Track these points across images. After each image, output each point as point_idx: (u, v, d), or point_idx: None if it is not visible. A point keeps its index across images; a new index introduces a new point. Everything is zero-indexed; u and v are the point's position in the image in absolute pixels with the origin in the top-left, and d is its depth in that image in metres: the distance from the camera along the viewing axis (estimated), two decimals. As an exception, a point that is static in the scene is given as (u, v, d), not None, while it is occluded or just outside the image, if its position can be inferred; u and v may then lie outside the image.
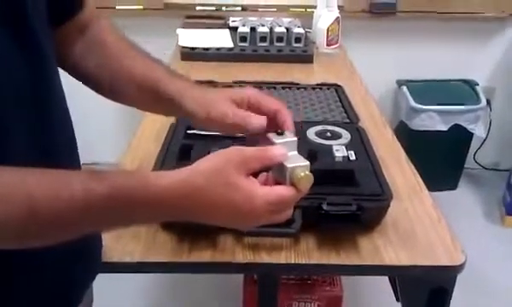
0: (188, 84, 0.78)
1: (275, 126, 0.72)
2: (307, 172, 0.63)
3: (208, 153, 0.74)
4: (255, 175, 0.63)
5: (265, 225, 0.82)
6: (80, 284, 0.74)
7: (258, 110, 0.74)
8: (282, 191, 0.62)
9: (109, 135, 2.48)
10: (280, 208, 0.63)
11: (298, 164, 0.64)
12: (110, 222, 0.59)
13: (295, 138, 0.69)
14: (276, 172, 0.65)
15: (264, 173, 0.65)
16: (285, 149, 0.64)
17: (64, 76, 0.70)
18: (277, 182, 0.65)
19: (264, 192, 0.61)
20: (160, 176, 0.58)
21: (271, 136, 0.69)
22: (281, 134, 0.69)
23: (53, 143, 0.64)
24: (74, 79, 0.78)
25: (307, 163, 0.65)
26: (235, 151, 0.61)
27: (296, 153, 0.67)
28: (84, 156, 0.76)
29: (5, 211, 0.49)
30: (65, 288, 0.69)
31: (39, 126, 0.61)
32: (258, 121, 0.70)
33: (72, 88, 0.75)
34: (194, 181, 0.58)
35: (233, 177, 0.59)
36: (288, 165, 0.63)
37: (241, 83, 1.49)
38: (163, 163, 0.98)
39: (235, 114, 0.72)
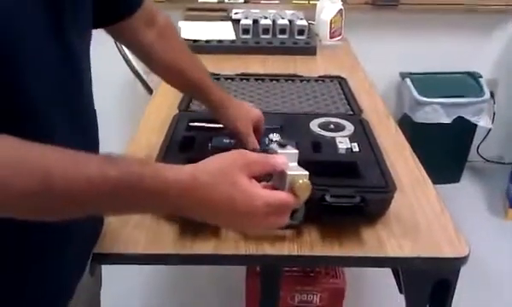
0: (224, 96, 1.02)
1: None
2: (306, 180, 0.66)
3: (209, 144, 0.96)
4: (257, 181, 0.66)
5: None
6: (72, 275, 0.75)
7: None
8: (281, 195, 0.65)
9: (112, 125, 2.48)
10: (278, 212, 0.65)
11: (298, 172, 0.67)
12: (117, 206, 0.60)
13: (296, 151, 0.72)
14: (277, 180, 0.68)
15: (264, 182, 0.68)
16: (286, 159, 0.68)
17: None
18: (276, 190, 0.67)
19: (264, 193, 0.63)
20: (168, 168, 0.60)
21: (274, 146, 0.73)
22: (283, 146, 0.72)
23: (84, 140, 0.68)
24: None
25: (307, 172, 0.67)
26: (240, 154, 0.64)
27: (296, 164, 0.70)
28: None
29: (22, 183, 0.51)
30: (57, 279, 0.70)
31: (74, 127, 0.66)
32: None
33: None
34: (199, 177, 0.60)
35: (236, 177, 0.61)
36: (288, 172, 0.66)
37: (243, 76, 1.49)
38: (166, 154, 0.98)
39: (248, 141, 0.99)
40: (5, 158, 0.50)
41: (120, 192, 0.56)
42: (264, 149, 0.87)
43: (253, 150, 0.95)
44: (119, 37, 0.96)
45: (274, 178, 0.68)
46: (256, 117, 1.04)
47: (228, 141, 1.03)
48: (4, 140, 0.51)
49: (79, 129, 0.68)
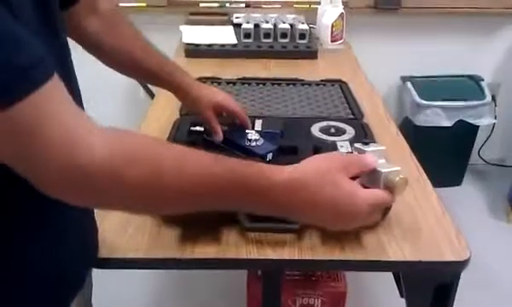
0: (192, 82, 1.02)
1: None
2: (403, 176, 0.68)
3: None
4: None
5: (269, 221, 0.83)
6: (78, 273, 0.75)
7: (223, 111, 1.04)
8: (381, 194, 0.67)
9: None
10: (377, 209, 0.67)
11: (391, 169, 0.69)
12: (221, 202, 0.62)
13: (383, 147, 0.75)
14: (368, 178, 0.69)
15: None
16: (376, 157, 0.70)
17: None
18: (366, 188, 0.68)
19: (365, 194, 0.65)
20: (271, 168, 0.62)
21: (360, 145, 0.76)
22: (366, 144, 0.76)
23: None
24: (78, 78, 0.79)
25: (399, 168, 0.69)
26: (336, 156, 0.69)
27: (385, 160, 0.72)
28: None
29: (134, 173, 0.53)
30: (62, 277, 0.70)
31: None
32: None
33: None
34: (303, 178, 0.63)
35: (337, 178, 0.63)
36: (383, 170, 0.68)
37: (245, 80, 1.49)
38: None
39: (210, 120, 1.02)
40: (113, 146, 0.52)
41: (225, 189, 0.59)
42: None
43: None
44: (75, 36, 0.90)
45: (363, 176, 0.69)
46: (218, 101, 1.03)
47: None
48: (113, 131, 0.53)
49: None
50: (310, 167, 0.64)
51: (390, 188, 0.68)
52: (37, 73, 0.49)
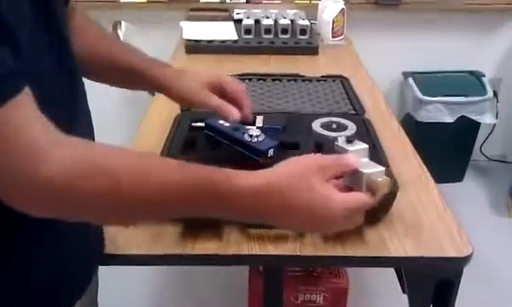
0: (168, 70, 0.89)
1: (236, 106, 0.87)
2: (385, 177, 0.66)
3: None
4: None
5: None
6: (83, 273, 0.74)
7: (222, 93, 0.89)
8: (358, 197, 0.65)
9: (115, 125, 2.49)
10: (355, 213, 0.65)
11: (374, 170, 0.66)
12: (185, 210, 0.61)
13: (366, 146, 0.72)
14: (350, 179, 0.67)
15: (335, 181, 0.67)
16: (358, 156, 0.67)
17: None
18: (349, 189, 0.66)
19: (341, 198, 0.63)
20: (240, 175, 0.60)
21: (342, 144, 0.72)
22: (350, 142, 0.72)
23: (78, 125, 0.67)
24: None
25: (383, 168, 0.67)
26: (315, 158, 0.65)
27: (368, 159, 0.69)
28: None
29: (90, 183, 0.52)
30: (67, 277, 0.70)
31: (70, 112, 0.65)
32: (238, 115, 0.75)
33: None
34: (277, 182, 0.61)
35: (313, 182, 0.61)
36: (365, 170, 0.65)
37: (245, 76, 1.49)
38: (168, 155, 0.98)
39: (217, 104, 0.87)
40: (73, 158, 0.52)
41: (188, 196, 0.57)
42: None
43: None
44: None
45: (346, 177, 0.67)
46: (210, 78, 0.90)
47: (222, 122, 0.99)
48: (79, 143, 0.53)
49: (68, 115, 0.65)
50: (283, 171, 0.62)
51: (373, 188, 0.66)
52: (5, 86, 0.49)
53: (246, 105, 0.91)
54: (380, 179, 0.65)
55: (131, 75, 0.88)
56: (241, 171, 0.61)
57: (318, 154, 0.67)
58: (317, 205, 0.61)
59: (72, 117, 0.66)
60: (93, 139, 0.74)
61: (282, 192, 0.60)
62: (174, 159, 0.59)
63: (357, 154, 0.68)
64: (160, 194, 0.56)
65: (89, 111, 0.74)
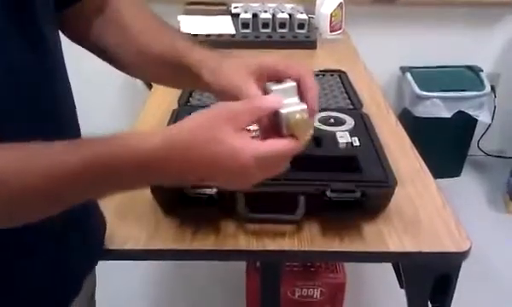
0: (207, 55, 0.71)
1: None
2: (303, 115, 0.57)
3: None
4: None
5: (269, 212, 0.82)
6: (80, 270, 0.74)
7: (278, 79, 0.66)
8: (274, 144, 0.57)
9: (112, 119, 2.49)
10: (273, 162, 0.58)
11: (294, 108, 0.57)
12: (92, 191, 0.57)
13: (294, 83, 0.61)
14: (275, 123, 0.59)
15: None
16: (281, 96, 0.58)
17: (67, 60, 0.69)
18: (280, 135, 0.58)
19: (251, 146, 0.56)
20: (143, 138, 0.55)
21: (269, 84, 0.63)
22: (280, 82, 0.62)
23: (54, 129, 0.63)
24: (75, 64, 0.78)
25: (304, 106, 0.58)
26: (224, 106, 0.57)
27: (296, 99, 0.60)
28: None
29: None
30: (63, 275, 0.69)
31: (40, 111, 0.61)
32: (272, 104, 0.61)
33: (73, 74, 0.74)
34: (180, 138, 0.55)
35: (220, 133, 0.55)
36: (283, 111, 0.57)
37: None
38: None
39: (248, 93, 0.63)
40: None
41: (90, 177, 0.52)
42: None
43: None
44: (78, 38, 0.76)
45: (273, 121, 0.59)
46: (257, 65, 0.67)
47: None
48: None
49: (40, 115, 0.61)
50: (189, 124, 0.56)
51: (292, 130, 0.56)
52: None
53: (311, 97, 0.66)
54: (297, 116, 0.56)
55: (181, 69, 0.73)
56: (140, 133, 0.57)
57: (229, 102, 0.59)
58: (223, 158, 0.55)
59: (48, 116, 0.62)
60: (78, 136, 0.70)
61: (187, 147, 0.55)
62: (66, 141, 0.53)
63: (282, 94, 0.59)
64: (49, 178, 0.51)
65: (72, 108, 0.70)
